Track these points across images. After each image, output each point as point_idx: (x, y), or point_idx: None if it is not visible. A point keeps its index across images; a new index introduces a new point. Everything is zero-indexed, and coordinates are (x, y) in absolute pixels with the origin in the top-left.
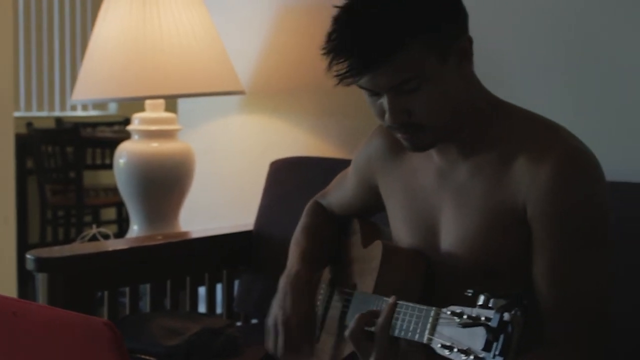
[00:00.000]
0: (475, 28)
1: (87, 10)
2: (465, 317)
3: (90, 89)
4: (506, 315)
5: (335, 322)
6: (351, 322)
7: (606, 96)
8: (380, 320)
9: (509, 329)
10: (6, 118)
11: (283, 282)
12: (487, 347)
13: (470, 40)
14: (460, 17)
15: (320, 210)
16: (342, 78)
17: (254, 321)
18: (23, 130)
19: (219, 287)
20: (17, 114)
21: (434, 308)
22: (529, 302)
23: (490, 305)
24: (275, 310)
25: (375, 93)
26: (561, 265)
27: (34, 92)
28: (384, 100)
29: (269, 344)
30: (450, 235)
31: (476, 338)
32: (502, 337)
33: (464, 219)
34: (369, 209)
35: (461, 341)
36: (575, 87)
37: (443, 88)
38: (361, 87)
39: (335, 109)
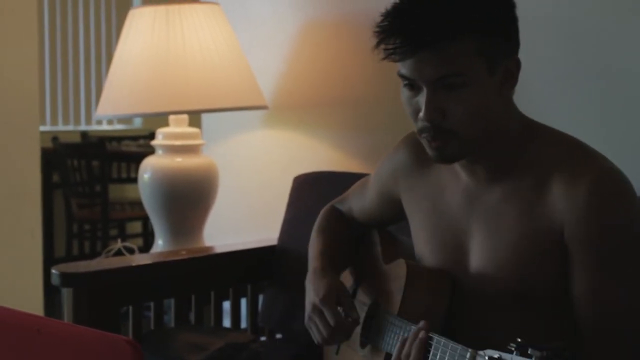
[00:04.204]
0: None
1: (112, 25)
2: None
3: (115, 105)
4: None
5: (357, 335)
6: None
7: (629, 109)
8: (414, 354)
9: None
10: (32, 132)
11: (307, 282)
12: None
13: (518, 64)
14: (514, 35)
15: (335, 213)
16: (390, 53)
17: (279, 336)
18: (49, 144)
19: (243, 302)
20: (43, 128)
21: (469, 350)
22: (571, 355)
23: (529, 352)
24: (307, 306)
25: (415, 87)
26: (601, 284)
27: (59, 107)
28: (422, 97)
29: (314, 338)
30: (481, 257)
31: None
32: None
33: (496, 242)
34: (388, 221)
35: None
36: (598, 100)
37: (483, 99)
38: (404, 76)
39: (359, 124)
